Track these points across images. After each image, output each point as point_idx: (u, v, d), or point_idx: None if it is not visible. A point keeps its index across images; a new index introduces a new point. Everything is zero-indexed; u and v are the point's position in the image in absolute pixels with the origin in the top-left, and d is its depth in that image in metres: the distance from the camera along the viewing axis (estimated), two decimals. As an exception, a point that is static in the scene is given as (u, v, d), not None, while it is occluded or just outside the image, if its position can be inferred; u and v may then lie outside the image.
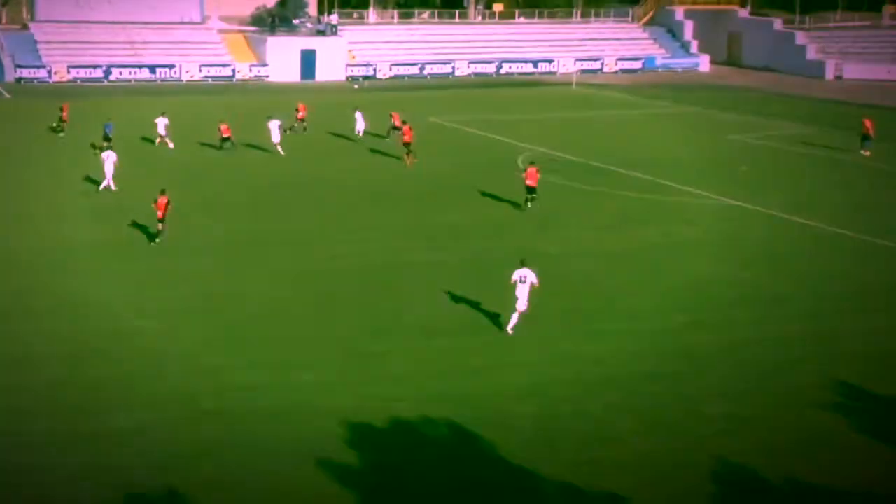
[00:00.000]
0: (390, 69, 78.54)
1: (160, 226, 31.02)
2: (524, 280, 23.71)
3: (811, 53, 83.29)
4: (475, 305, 26.43)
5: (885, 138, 51.41)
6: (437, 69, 79.58)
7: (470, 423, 19.64)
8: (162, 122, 46.50)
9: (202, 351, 23.09)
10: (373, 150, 46.46)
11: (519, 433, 19.39)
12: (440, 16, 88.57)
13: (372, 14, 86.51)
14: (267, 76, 74.80)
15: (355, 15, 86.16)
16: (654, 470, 18.15)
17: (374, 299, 26.79)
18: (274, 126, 45.44)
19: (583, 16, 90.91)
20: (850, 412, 20.16)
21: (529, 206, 35.75)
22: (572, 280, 28.70)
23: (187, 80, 72.62)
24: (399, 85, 74.61)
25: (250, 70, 74.84)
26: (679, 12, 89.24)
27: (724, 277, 28.94)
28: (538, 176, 35.77)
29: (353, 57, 78.78)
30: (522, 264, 24.11)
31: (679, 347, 23.70)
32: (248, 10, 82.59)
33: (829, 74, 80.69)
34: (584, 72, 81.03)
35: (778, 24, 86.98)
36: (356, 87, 73.14)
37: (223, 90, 68.99)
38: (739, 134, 53.53)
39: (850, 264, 30.19)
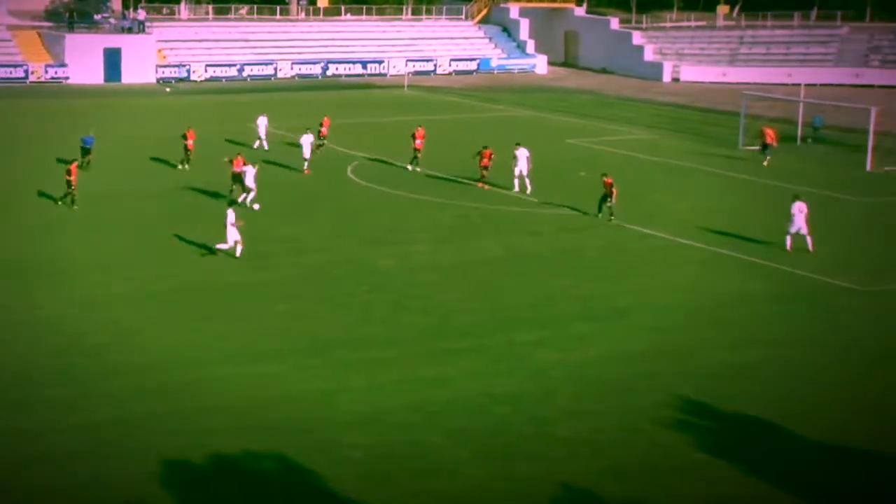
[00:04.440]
0: (206, 70, 77.32)
1: (73, 190, 36.14)
2: (802, 211, 32.77)
3: (648, 54, 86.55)
4: (306, 327, 26.27)
5: (725, 144, 53.93)
6: (257, 70, 78.84)
7: (297, 456, 19.46)
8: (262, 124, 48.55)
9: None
10: (201, 161, 45.61)
11: (350, 465, 19.30)
12: (259, 12, 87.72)
13: (184, 9, 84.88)
14: (66, 78, 72.36)
15: (165, 10, 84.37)
16: (493, 500, 18.36)
17: (190, 325, 26.23)
18: (306, 141, 44.38)
19: (414, 13, 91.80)
20: (695, 430, 20.91)
21: (606, 213, 37.22)
22: (409, 296, 28.89)
23: (-28, 83, 69.50)
24: (216, 87, 73.53)
25: (46, 71, 72.21)
26: (514, 10, 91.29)
27: (568, 291, 29.67)
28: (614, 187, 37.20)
29: (164, 57, 77.13)
30: (796, 198, 33.10)
31: (525, 366, 24.13)
32: (42, 4, 79.74)
33: (667, 76, 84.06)
34: (416, 73, 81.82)
35: (614, 23, 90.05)
36: (168, 90, 71.65)
37: (16, 93, 66.26)
38: (578, 138, 55.07)
39: (695, 276, 31.40)
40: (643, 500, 18.34)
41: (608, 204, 37.16)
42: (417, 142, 44.87)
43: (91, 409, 21.34)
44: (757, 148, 50.39)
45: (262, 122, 49.26)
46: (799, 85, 59.35)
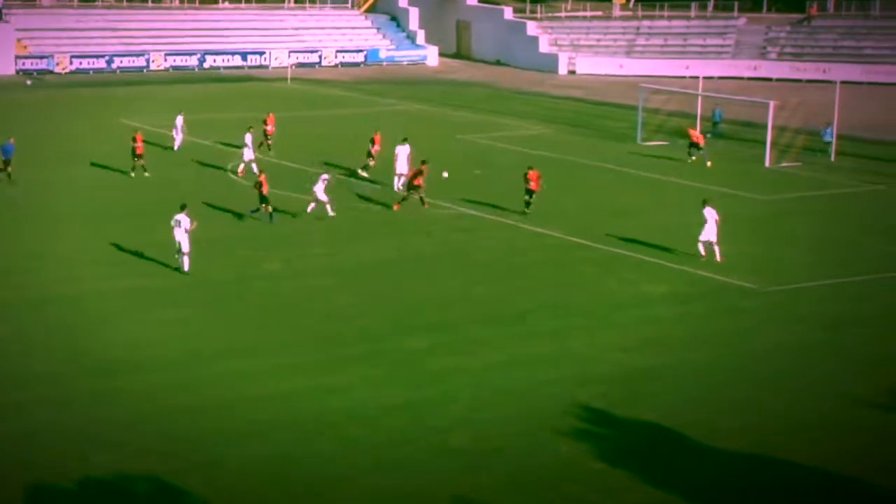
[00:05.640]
0: (71, 62, 75.94)
1: None
2: (712, 216, 32.84)
3: (543, 46, 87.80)
4: (191, 336, 26.28)
5: (622, 139, 55.15)
6: (128, 62, 77.76)
7: (175, 476, 19.48)
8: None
9: None
10: (96, 163, 44.99)
11: (245, 477, 19.46)
12: (129, 0, 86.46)
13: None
14: (-84, 69, 70.38)
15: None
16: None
17: (65, 337, 26.02)
18: (248, 141, 43.16)
19: (297, 1, 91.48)
20: (594, 438, 21.56)
21: (528, 209, 38.17)
22: (300, 301, 29.08)
23: None
24: (83, 80, 72.30)
25: None
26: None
27: (464, 294, 30.19)
28: (539, 180, 38.15)
29: (25, 47, 75.51)
30: (705, 203, 33.10)
31: (422, 373, 24.55)
32: None
33: (563, 69, 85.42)
34: (300, 65, 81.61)
35: (508, 12, 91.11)
36: (29, 83, 70.22)
37: None
38: (471, 134, 55.70)
39: (592, 277, 32.19)
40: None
41: (531, 199, 38.13)
42: (375, 147, 44.18)
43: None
44: (657, 143, 51.70)
45: (179, 122, 48.55)
46: (697, 78, 60.93)
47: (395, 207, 38.38)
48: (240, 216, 36.80)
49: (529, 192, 38.38)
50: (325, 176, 37.48)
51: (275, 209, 36.41)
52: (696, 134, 49.49)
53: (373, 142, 44.34)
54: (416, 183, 38.36)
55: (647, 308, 29.52)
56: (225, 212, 38.11)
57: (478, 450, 20.90)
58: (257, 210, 36.31)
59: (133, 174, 42.96)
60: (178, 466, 19.77)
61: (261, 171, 38.10)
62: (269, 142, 47.86)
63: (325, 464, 20.16)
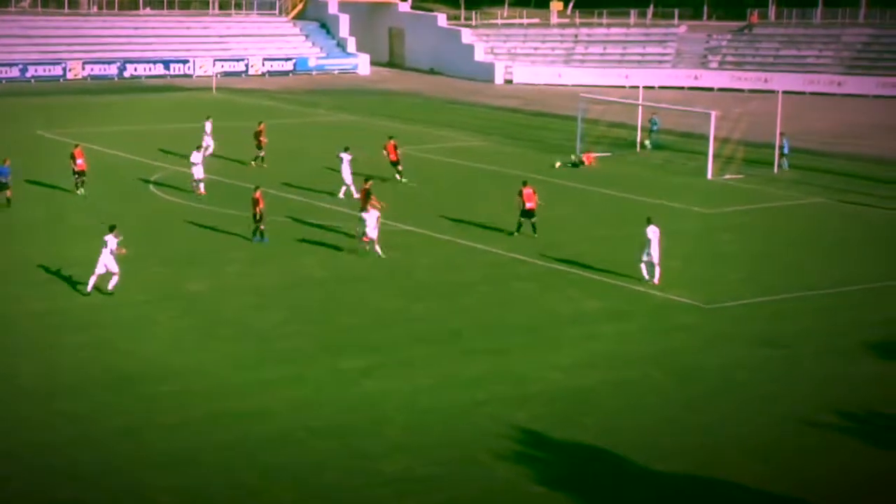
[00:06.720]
0: (-17, 70, 74.96)
1: None
2: (655, 235, 32.03)
3: (479, 54, 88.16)
4: (105, 358, 25.86)
5: (561, 150, 55.38)
6: (43, 71, 76.88)
7: (98, 503, 19.17)
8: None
9: None
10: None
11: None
12: (45, 4, 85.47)
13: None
14: None
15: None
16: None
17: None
18: (197, 158, 42.53)
19: (221, 7, 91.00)
20: (532, 461, 21.44)
21: (528, 230, 37.32)
22: (223, 322, 28.76)
23: None
24: (-4, 89, 71.27)
25: None
26: (333, 4, 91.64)
27: (397, 313, 30.02)
28: (535, 196, 37.39)
29: (-65, 54, 74.37)
30: (650, 222, 32.16)
31: (352, 396, 24.30)
32: None
33: (499, 78, 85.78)
34: (225, 74, 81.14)
35: (442, 19, 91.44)
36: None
37: None
38: (404, 146, 55.40)
39: (530, 294, 32.14)
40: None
41: (532, 220, 37.34)
42: (391, 155, 45.25)
43: None
44: (598, 154, 52.01)
45: (208, 127, 49.09)
46: (637, 87, 61.43)
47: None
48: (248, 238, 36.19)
49: (528, 214, 37.28)
50: (376, 212, 35.30)
51: (260, 233, 36.05)
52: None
53: (387, 150, 45.66)
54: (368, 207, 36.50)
55: (587, 326, 29.55)
56: (147, 229, 37.66)
57: (410, 476, 20.69)
58: (258, 232, 35.76)
59: (85, 191, 42.08)
60: (87, 496, 19.37)
61: (256, 187, 37.10)
62: (262, 153, 48.20)
63: (246, 494, 19.81)
